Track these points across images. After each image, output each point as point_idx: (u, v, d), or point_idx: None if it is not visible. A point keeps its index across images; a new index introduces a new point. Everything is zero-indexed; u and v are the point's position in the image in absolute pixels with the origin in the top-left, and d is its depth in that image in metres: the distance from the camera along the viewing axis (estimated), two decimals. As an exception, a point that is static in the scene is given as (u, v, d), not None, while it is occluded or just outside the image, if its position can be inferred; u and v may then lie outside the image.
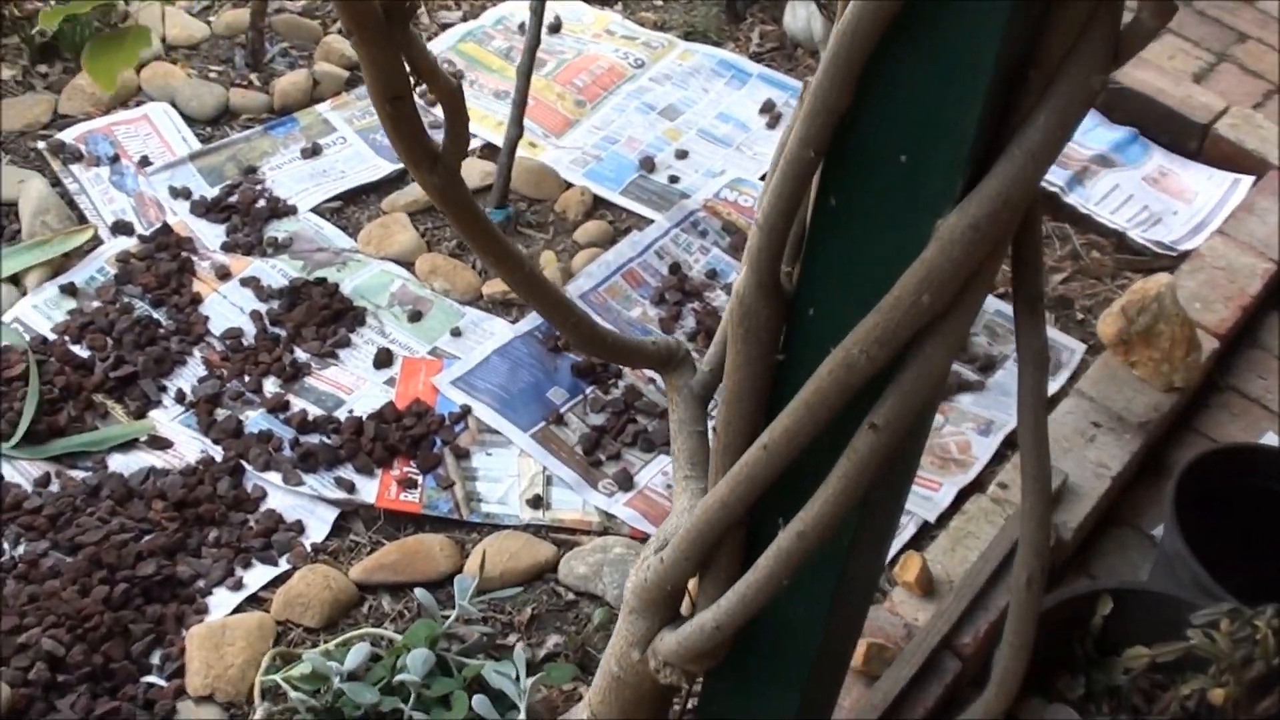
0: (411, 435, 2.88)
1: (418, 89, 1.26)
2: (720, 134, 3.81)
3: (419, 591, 2.50)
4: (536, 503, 2.80)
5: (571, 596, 2.64)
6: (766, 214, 1.27)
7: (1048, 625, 1.66)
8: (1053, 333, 3.20)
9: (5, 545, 2.61)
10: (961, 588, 2.51)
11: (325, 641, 2.48)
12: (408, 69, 1.23)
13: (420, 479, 2.81)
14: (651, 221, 3.47)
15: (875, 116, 1.18)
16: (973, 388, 3.09)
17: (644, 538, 2.70)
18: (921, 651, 2.41)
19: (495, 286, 3.24)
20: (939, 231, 1.16)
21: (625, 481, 2.85)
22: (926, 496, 2.82)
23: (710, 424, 1.54)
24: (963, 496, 2.82)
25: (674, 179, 3.63)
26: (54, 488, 2.73)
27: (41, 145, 3.50)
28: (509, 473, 2.86)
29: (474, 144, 3.67)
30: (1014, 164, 1.13)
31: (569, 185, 3.57)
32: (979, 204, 1.14)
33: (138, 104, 3.68)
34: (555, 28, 4.08)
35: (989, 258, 1.18)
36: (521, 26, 3.78)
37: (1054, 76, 1.11)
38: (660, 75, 3.98)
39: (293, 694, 2.32)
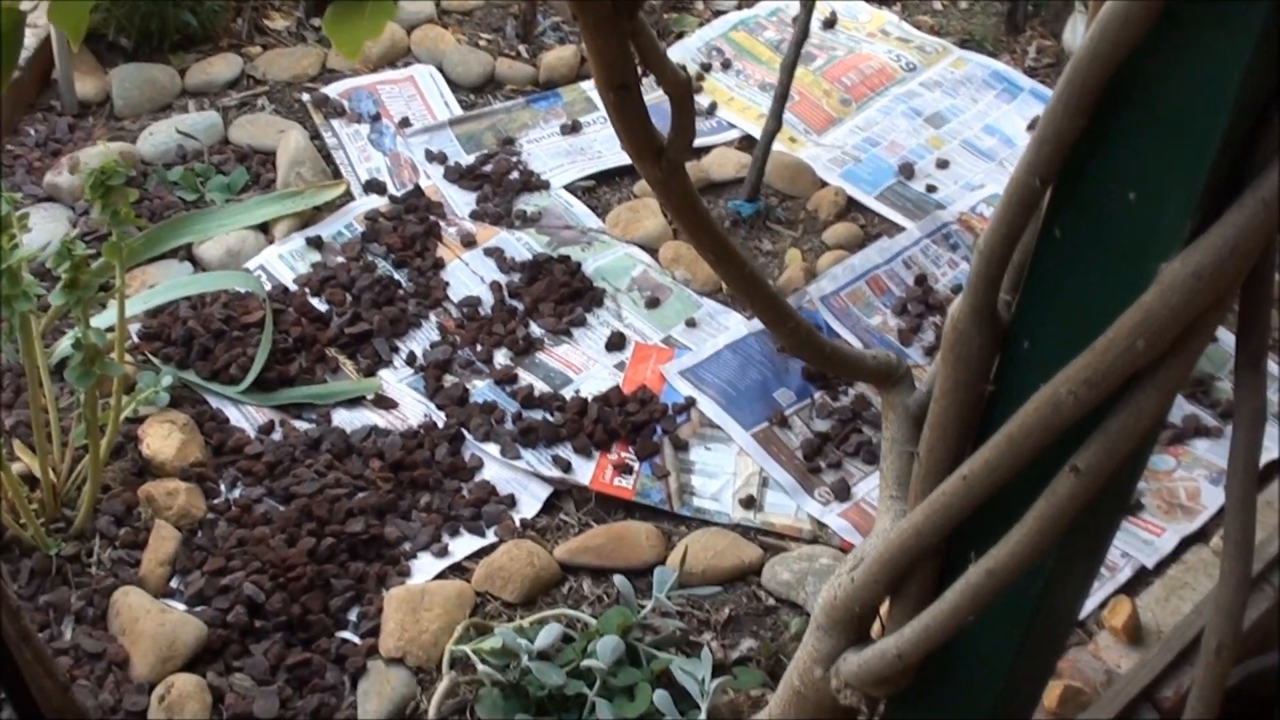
0: (633, 421, 2.86)
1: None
2: (984, 147, 3.72)
3: (618, 578, 2.49)
4: (749, 503, 2.76)
5: (772, 602, 2.60)
6: (987, 239, 1.22)
7: (1240, 698, 1.57)
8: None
9: (223, 487, 2.66)
10: (1170, 639, 2.39)
11: (521, 617, 2.48)
12: (635, 58, 1.21)
13: (636, 465, 2.80)
14: (903, 229, 3.41)
15: (1106, 149, 1.13)
16: (1210, 433, 2.96)
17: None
18: (1119, 700, 2.30)
19: (736, 280, 3.19)
20: (1160, 275, 1.09)
21: (842, 492, 2.79)
22: (1148, 541, 2.71)
23: (922, 446, 1.50)
24: (1185, 545, 2.72)
25: (931, 188, 3.56)
26: (276, 436, 2.78)
27: (306, 98, 3.57)
28: (725, 470, 2.83)
29: (733, 135, 3.66)
30: (1246, 212, 1.05)
31: (824, 184, 3.53)
32: (1204, 251, 1.07)
33: (405, 65, 3.75)
34: (830, 23, 4.05)
35: (1211, 308, 1.11)
36: (795, 19, 3.74)
37: (1300, 119, 1.04)
38: (930, 81, 3.92)
39: (480, 666, 2.31)
